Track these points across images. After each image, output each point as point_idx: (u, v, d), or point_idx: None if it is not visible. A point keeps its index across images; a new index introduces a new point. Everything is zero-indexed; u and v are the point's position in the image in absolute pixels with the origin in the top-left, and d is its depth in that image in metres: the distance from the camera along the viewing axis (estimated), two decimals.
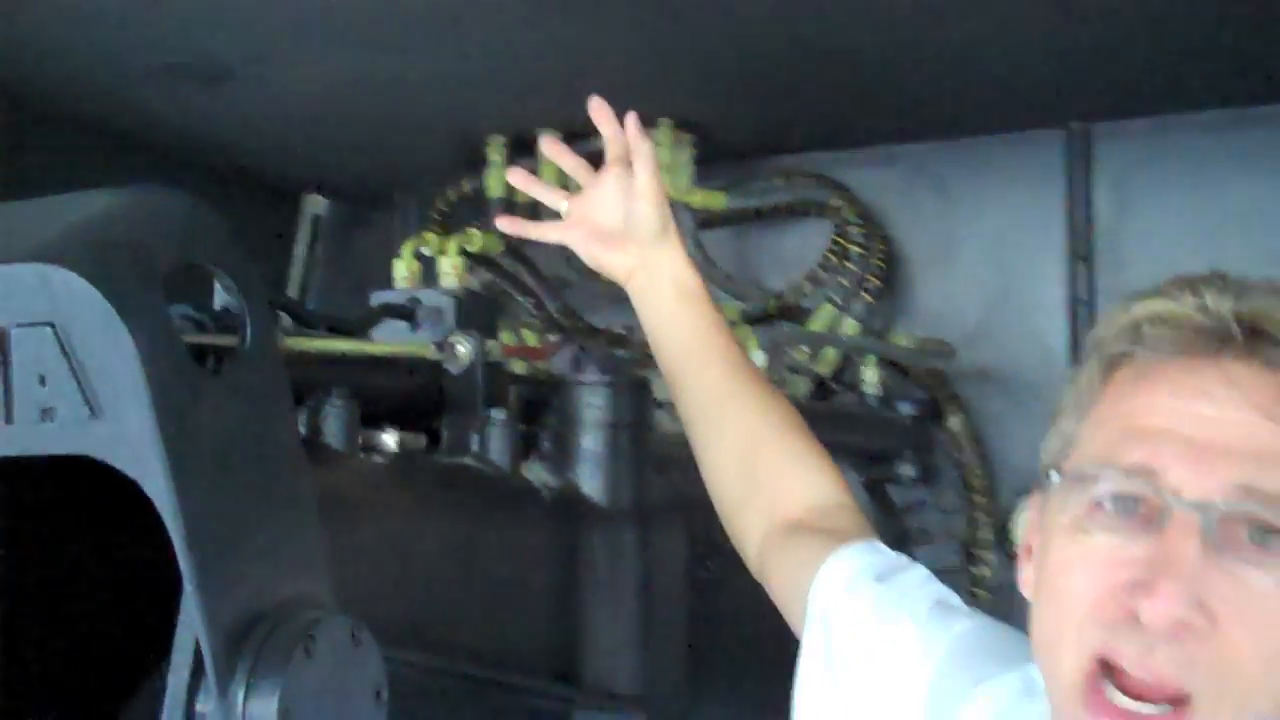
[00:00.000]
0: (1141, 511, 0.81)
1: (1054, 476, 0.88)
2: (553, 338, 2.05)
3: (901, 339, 2.46)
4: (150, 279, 0.85)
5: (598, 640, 1.54)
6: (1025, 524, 1.01)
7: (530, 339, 1.83)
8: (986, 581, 2.47)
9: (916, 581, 1.11)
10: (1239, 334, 0.82)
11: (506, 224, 1.38)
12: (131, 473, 0.83)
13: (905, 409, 2.46)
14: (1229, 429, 0.81)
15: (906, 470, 2.44)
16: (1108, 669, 0.80)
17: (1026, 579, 0.93)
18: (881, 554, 1.15)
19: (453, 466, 1.40)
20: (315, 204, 2.95)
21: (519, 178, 1.38)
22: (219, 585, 0.87)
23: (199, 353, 0.88)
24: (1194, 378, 0.83)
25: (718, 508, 1.34)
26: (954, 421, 2.51)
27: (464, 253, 1.61)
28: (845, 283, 2.51)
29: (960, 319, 2.60)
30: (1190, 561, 0.78)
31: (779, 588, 1.24)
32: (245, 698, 0.89)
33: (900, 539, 2.53)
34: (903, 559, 1.15)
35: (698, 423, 1.35)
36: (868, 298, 2.52)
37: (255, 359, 0.92)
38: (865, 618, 1.08)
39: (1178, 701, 0.78)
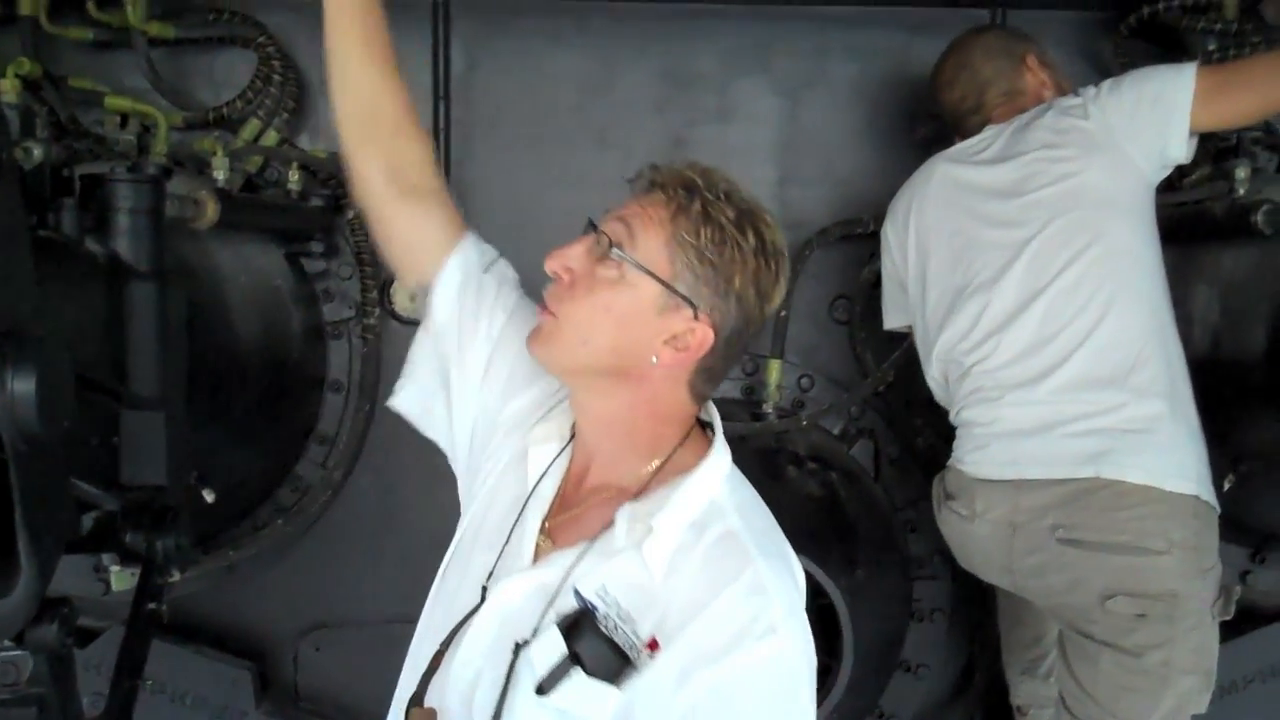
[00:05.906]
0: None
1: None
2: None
3: (320, 151, 3.18)
4: None
5: (136, 362, 2.21)
6: None
7: None
8: (373, 329, 3.27)
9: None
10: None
11: None
12: None
13: (316, 201, 3.17)
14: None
15: (316, 247, 3.21)
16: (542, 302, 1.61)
17: None
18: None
19: (44, 239, 2.00)
20: None
21: None
22: None
23: None
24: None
25: (344, 131, 1.92)
26: (350, 211, 3.19)
27: (18, 75, 2.10)
28: (269, 103, 3.13)
29: None
30: (577, 254, 1.56)
31: (409, 228, 1.84)
32: (13, 378, 1.51)
33: (310, 298, 3.37)
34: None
35: (349, 56, 1.87)
36: (286, 115, 3.16)
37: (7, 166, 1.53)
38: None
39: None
